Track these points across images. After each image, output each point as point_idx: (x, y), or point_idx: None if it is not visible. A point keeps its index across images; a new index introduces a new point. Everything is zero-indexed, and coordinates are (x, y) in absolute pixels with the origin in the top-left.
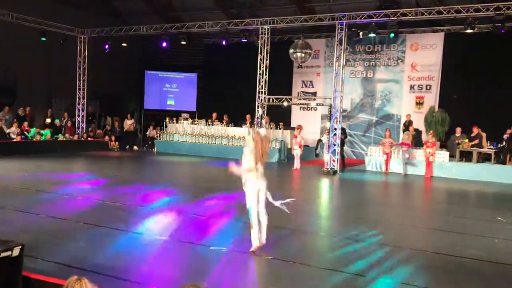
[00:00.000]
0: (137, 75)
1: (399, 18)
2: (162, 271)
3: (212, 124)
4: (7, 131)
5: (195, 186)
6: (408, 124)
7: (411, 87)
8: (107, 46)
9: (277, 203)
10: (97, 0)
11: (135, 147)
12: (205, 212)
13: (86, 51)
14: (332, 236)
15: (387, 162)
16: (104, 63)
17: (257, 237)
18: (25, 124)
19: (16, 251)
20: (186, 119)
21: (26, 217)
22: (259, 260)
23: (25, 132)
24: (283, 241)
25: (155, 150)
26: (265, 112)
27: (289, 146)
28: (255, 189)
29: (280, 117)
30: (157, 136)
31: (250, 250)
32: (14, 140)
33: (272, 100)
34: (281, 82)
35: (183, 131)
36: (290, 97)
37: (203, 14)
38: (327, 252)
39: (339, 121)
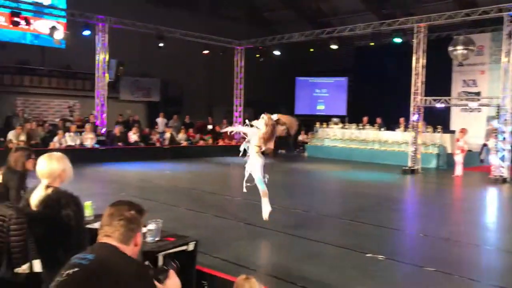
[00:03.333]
0: (288, 81)
1: None
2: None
3: (363, 128)
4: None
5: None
6: None
7: None
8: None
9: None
10: (250, 12)
11: (284, 151)
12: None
13: (243, 61)
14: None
15: None
16: (257, 72)
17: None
18: (191, 130)
19: (191, 246)
20: (337, 123)
21: (194, 215)
22: (421, 272)
23: (191, 138)
24: (444, 253)
25: (306, 154)
26: (422, 114)
27: (448, 151)
28: (262, 164)
29: (437, 119)
30: (308, 141)
31: (264, 218)
32: (182, 145)
33: (429, 101)
34: (438, 82)
35: (334, 136)
36: (449, 98)
37: (353, 17)
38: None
39: (509, 123)
